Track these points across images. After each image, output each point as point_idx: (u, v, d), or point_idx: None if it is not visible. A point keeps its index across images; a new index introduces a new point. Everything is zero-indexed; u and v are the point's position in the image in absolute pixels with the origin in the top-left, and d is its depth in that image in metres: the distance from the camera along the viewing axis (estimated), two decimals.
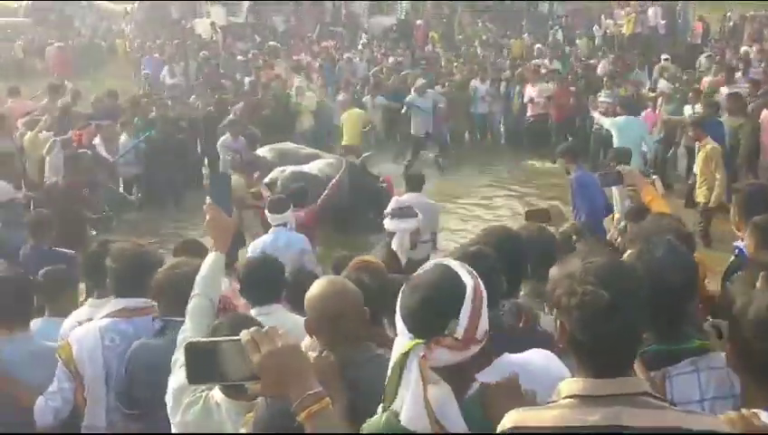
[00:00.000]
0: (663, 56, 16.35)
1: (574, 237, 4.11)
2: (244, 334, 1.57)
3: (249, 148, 10.07)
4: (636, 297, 1.66)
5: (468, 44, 20.86)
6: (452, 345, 1.72)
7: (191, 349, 1.62)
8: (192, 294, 2.71)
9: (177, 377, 2.51)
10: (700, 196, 8.52)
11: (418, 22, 23.98)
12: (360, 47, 21.39)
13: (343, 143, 11.77)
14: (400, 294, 1.80)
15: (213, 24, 23.25)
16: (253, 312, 3.55)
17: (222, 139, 10.31)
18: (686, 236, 3.03)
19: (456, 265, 1.81)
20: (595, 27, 22.71)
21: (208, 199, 2.84)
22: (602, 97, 12.03)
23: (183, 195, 10.71)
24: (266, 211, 6.22)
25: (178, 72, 16.61)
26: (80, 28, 27.82)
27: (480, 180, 12.16)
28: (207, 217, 2.82)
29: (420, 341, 1.70)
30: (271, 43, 21.88)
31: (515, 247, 3.04)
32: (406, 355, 1.70)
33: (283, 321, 3.35)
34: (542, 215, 4.75)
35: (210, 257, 2.79)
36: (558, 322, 1.72)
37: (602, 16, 23.64)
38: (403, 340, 1.74)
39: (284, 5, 26.40)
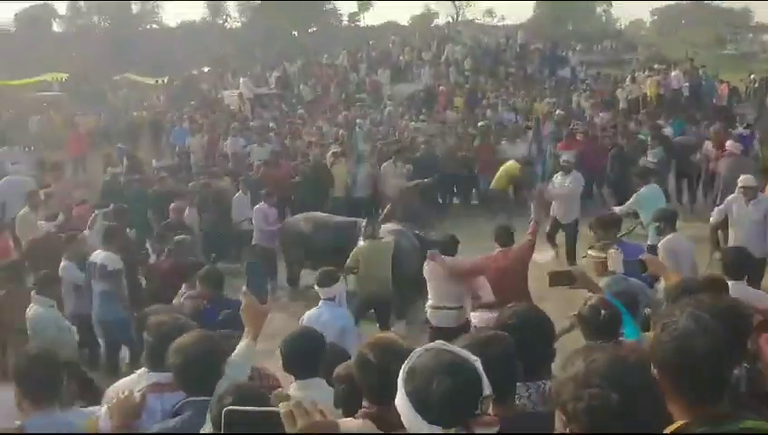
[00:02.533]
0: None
1: (603, 312, 3.64)
2: (283, 406, 1.55)
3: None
4: (648, 392, 1.54)
5: (492, 109, 21.06)
6: (492, 422, 1.68)
7: (230, 417, 1.61)
8: (224, 375, 2.86)
9: None
10: None
11: (441, 88, 24.38)
12: (385, 114, 21.89)
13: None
14: (413, 385, 1.71)
15: (240, 95, 23.81)
16: (293, 385, 3.62)
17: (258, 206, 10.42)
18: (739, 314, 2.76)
19: (455, 348, 1.79)
20: (619, 91, 22.87)
21: (244, 288, 3.04)
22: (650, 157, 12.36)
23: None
24: (315, 285, 5.85)
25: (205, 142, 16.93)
26: (112, 101, 28.68)
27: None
28: (243, 305, 2.97)
29: (453, 431, 1.64)
30: (300, 111, 22.36)
31: (541, 328, 2.95)
32: None
33: (320, 394, 3.33)
34: (566, 277, 4.44)
35: (243, 344, 2.96)
36: (567, 429, 1.59)
37: (627, 79, 23.81)
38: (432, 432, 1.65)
39: (310, 76, 27.10)
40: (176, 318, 3.54)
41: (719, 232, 8.51)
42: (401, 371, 1.74)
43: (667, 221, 7.11)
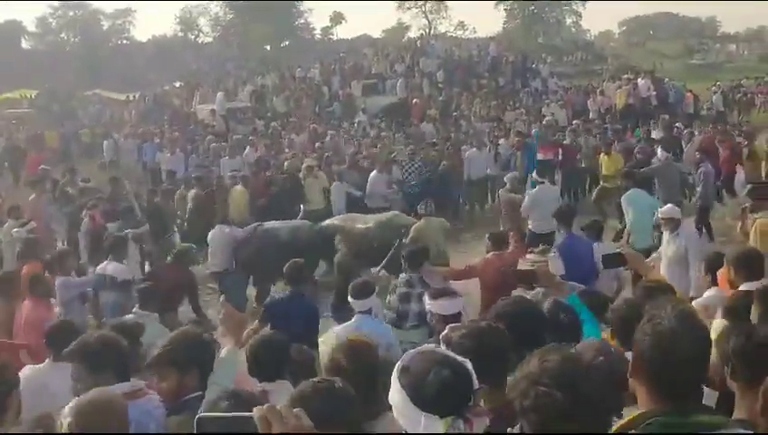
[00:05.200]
0: (677, 124, 17.55)
1: (562, 315, 3.65)
2: (257, 410, 1.50)
3: None
4: (593, 400, 1.60)
5: (465, 120, 21.25)
6: (485, 413, 1.78)
7: (202, 424, 1.55)
8: (209, 381, 2.97)
9: None
10: None
11: (415, 100, 24.50)
12: (355, 125, 22.20)
13: None
14: (408, 379, 1.78)
15: (213, 110, 23.70)
16: (259, 386, 3.69)
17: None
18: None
19: (443, 350, 1.92)
20: (590, 102, 23.16)
21: (222, 297, 3.13)
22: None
23: None
24: (350, 297, 5.62)
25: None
26: (82, 118, 28.37)
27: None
28: (222, 314, 3.10)
29: (451, 416, 1.70)
30: (273, 123, 22.37)
31: (533, 320, 2.99)
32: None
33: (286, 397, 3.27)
34: (529, 276, 4.57)
35: (227, 350, 3.09)
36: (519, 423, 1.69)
37: (598, 91, 24.15)
38: (429, 422, 1.70)
39: (284, 89, 27.11)
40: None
41: None
42: (395, 369, 1.80)
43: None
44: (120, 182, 12.02)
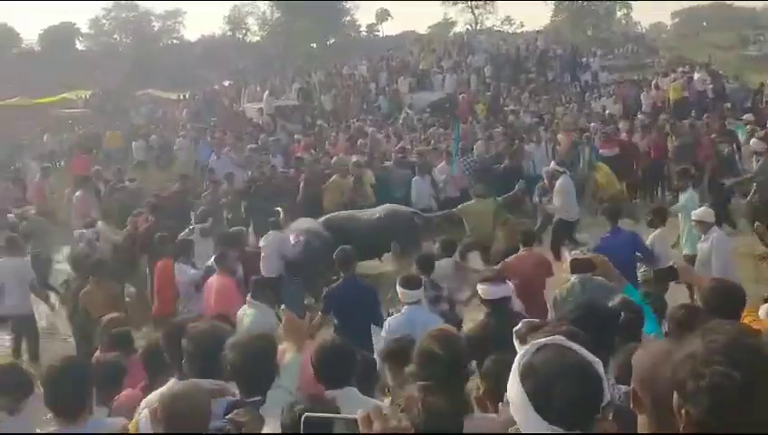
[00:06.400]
0: (746, 116, 17.06)
1: (627, 313, 3.64)
2: (361, 412, 1.56)
3: None
4: (766, 377, 1.44)
5: (514, 115, 21.01)
6: (612, 428, 1.63)
7: (309, 423, 1.62)
8: (273, 384, 3.05)
9: None
10: None
11: (462, 96, 24.34)
12: (400, 121, 22.22)
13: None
14: (534, 384, 1.63)
15: (260, 109, 23.94)
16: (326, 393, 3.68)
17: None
18: None
19: (576, 346, 1.71)
20: (643, 95, 22.64)
21: (282, 306, 3.21)
22: None
23: None
24: (398, 287, 5.67)
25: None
26: (134, 117, 28.99)
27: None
28: (283, 320, 3.24)
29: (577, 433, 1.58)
30: (318, 122, 22.49)
31: (604, 321, 2.94)
32: None
33: (354, 403, 3.31)
34: (587, 265, 4.64)
35: (290, 355, 3.26)
36: (682, 410, 1.50)
37: (652, 84, 23.56)
38: None
39: (331, 87, 27.23)
40: (213, 325, 3.51)
41: None
42: (516, 363, 1.66)
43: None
44: (189, 181, 12.33)
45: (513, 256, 7.41)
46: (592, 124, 17.38)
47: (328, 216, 10.60)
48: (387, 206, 10.99)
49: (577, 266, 5.11)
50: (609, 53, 35.68)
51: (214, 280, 7.36)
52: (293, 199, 12.37)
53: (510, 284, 5.20)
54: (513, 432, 1.73)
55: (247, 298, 6.45)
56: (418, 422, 2.10)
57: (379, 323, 6.08)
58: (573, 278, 5.51)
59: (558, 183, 10.54)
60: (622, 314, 3.64)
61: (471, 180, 12.95)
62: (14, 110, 29.24)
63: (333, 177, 12.62)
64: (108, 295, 7.39)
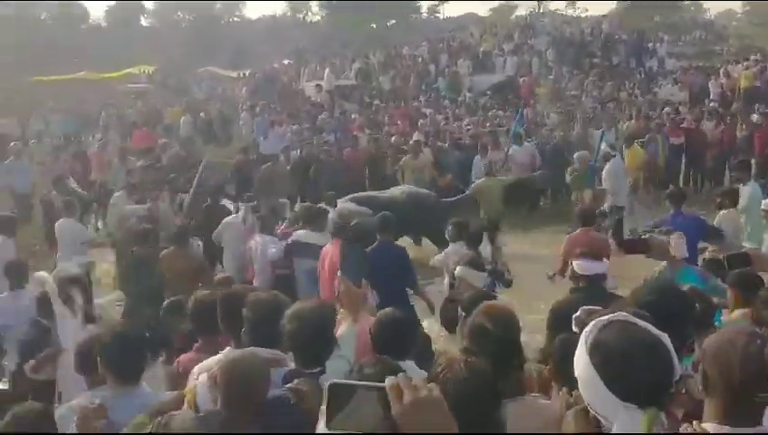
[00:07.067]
0: None
1: (698, 303, 3.47)
2: (389, 380, 1.45)
3: None
4: None
5: (576, 100, 20.59)
6: (687, 402, 1.69)
7: (334, 391, 1.51)
8: (333, 354, 3.09)
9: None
10: None
11: (523, 79, 23.94)
12: (458, 102, 22.07)
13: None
14: (603, 359, 1.59)
15: (318, 86, 24.01)
16: None
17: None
18: None
19: (641, 322, 1.65)
20: (711, 83, 21.89)
21: (339, 273, 3.20)
22: None
23: None
24: (464, 270, 5.80)
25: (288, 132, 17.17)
26: (196, 93, 29.46)
27: None
28: (341, 289, 3.26)
29: (654, 409, 1.53)
30: (375, 102, 22.49)
31: (682, 303, 2.77)
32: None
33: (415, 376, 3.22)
34: (642, 245, 4.58)
35: (346, 325, 3.34)
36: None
37: (721, 72, 22.74)
38: (629, 415, 1.52)
39: (390, 67, 27.15)
40: (274, 295, 3.49)
41: None
42: (582, 340, 1.62)
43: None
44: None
45: (568, 237, 7.39)
46: (666, 110, 16.89)
47: (349, 196, 10.57)
48: (405, 187, 11.28)
49: (631, 247, 5.05)
50: (677, 40, 34.56)
51: (329, 249, 7.15)
52: (352, 176, 12.46)
53: (606, 261, 5.15)
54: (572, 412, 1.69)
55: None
56: (454, 387, 2.01)
57: (414, 287, 6.26)
58: (664, 263, 5.38)
59: (607, 166, 10.54)
60: (698, 302, 3.49)
61: (536, 163, 12.89)
62: (81, 84, 30.08)
63: (405, 157, 12.74)
64: (189, 265, 7.52)
